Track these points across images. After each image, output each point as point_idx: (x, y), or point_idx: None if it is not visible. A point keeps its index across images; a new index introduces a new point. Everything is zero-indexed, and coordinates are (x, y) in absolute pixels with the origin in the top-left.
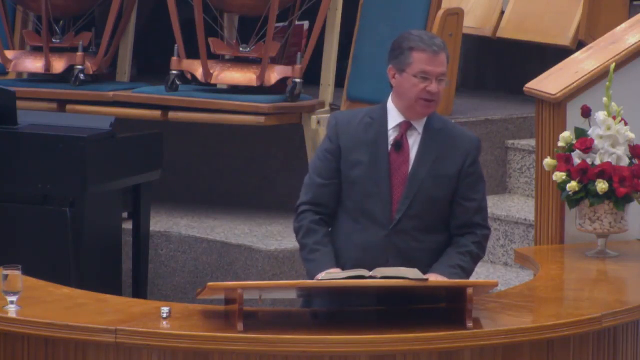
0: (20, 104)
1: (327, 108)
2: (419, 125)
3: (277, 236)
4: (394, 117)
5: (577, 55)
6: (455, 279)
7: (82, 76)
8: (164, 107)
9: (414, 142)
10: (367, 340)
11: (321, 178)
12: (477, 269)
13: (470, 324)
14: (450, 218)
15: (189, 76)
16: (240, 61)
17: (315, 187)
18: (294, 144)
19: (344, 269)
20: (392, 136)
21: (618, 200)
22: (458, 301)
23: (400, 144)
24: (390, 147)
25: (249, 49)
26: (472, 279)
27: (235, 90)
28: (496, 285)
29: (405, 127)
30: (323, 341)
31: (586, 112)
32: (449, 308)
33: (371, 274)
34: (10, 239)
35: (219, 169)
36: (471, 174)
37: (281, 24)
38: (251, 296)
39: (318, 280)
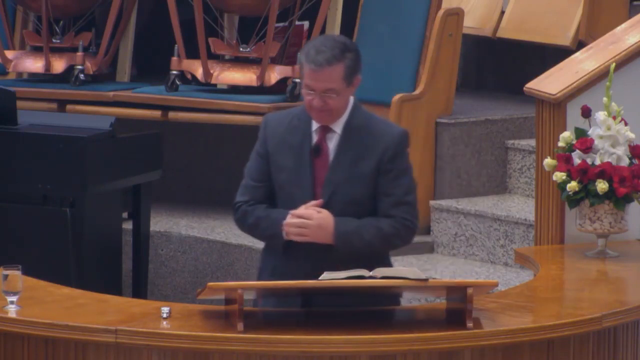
0: (20, 104)
1: None
2: (338, 126)
3: None
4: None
5: (577, 55)
6: (342, 228)
7: (82, 76)
8: (164, 107)
9: (334, 146)
10: (367, 340)
11: (253, 180)
12: (477, 269)
13: (470, 324)
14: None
15: (189, 76)
16: (240, 61)
17: (250, 188)
18: None
19: (281, 273)
20: (315, 139)
21: (618, 200)
22: (458, 301)
23: (319, 149)
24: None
25: (249, 49)
26: (472, 279)
27: (235, 90)
28: (496, 285)
29: (323, 132)
30: (323, 341)
31: (586, 112)
32: (449, 308)
33: (371, 273)
34: (10, 239)
35: (219, 169)
36: (390, 170)
37: (281, 24)
38: (251, 296)
39: (289, 221)
